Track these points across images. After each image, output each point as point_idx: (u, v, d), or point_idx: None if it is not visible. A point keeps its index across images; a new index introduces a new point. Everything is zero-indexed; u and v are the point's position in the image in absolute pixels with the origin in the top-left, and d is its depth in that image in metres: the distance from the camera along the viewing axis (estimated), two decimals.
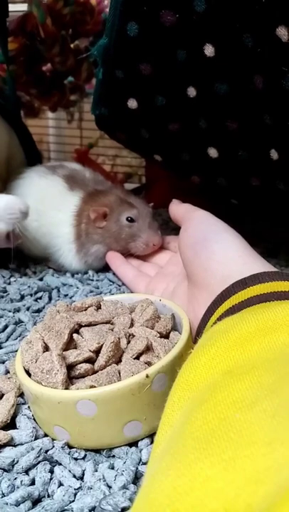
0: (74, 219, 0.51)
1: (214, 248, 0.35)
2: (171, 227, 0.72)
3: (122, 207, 0.49)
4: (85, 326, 0.30)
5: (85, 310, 0.33)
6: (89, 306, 0.33)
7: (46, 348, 0.28)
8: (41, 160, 0.66)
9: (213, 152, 0.43)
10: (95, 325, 0.30)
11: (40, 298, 0.45)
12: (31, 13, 0.58)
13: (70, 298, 0.45)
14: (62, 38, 0.64)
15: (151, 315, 0.31)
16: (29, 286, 0.47)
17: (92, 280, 0.50)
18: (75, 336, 0.29)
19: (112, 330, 0.30)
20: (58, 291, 0.47)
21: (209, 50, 0.36)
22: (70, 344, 0.28)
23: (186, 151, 0.45)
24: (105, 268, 0.52)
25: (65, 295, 0.46)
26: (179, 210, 0.43)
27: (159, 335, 0.29)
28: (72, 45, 0.70)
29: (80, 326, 0.30)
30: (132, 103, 0.43)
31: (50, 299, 0.45)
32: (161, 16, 0.36)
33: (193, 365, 0.22)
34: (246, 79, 0.36)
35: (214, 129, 0.41)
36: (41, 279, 0.51)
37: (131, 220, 0.48)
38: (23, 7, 0.61)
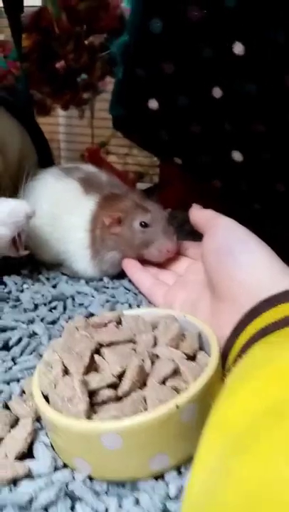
0: (89, 224, 0.49)
1: (241, 258, 0.33)
2: (186, 231, 0.69)
3: (135, 211, 0.47)
4: (106, 345, 0.28)
5: (105, 326, 0.31)
6: (109, 322, 0.31)
7: (66, 371, 0.26)
8: (53, 161, 0.64)
9: (237, 156, 0.40)
10: (117, 344, 0.28)
11: (55, 308, 0.43)
12: (46, 9, 0.55)
13: (86, 308, 0.43)
14: (76, 34, 0.62)
15: (175, 333, 0.29)
16: (43, 295, 0.45)
17: (108, 287, 0.48)
18: (96, 356, 0.27)
19: (135, 350, 0.28)
20: (73, 299, 0.45)
21: (238, 48, 0.33)
22: (90, 366, 0.26)
23: (208, 155, 0.43)
24: (120, 274, 0.50)
25: (80, 304, 0.44)
26: (200, 216, 0.41)
27: (185, 356, 0.27)
28: (86, 42, 0.68)
29: (101, 345, 0.28)
30: (153, 103, 0.41)
31: (64, 308, 0.43)
32: (188, 11, 0.33)
33: (229, 401, 0.20)
34: (277, 78, 0.34)
35: (240, 131, 0.39)
36: (55, 286, 0.49)
37: (144, 225, 0.46)
38: (37, 2, 0.59)
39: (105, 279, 0.49)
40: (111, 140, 1.04)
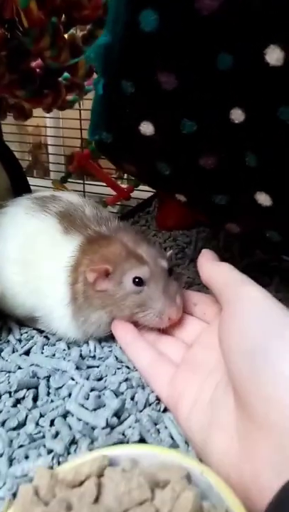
0: (69, 275, 0.38)
1: (284, 367, 0.23)
2: (188, 256, 0.59)
3: (127, 263, 0.36)
4: None
5: (79, 485, 0.21)
6: (86, 479, 0.21)
7: None
8: (29, 188, 0.53)
9: (263, 198, 0.29)
10: None
11: (23, 398, 0.33)
12: None
13: (63, 400, 0.32)
14: (52, 26, 0.50)
15: None
16: (8, 376, 0.35)
17: (94, 358, 0.38)
18: None
19: None
20: (48, 381, 0.34)
21: (274, 56, 0.22)
22: None
23: (223, 195, 0.32)
24: (111, 336, 0.39)
25: (57, 389, 0.34)
26: (215, 275, 0.31)
27: None
28: (66, 35, 0.56)
29: None
30: (147, 128, 0.30)
31: (35, 400, 0.33)
32: None
33: None
34: None
35: (267, 168, 0.28)
36: (28, 353, 0.39)
37: (139, 281, 0.35)
38: None
39: (91, 345, 0.39)
40: None
